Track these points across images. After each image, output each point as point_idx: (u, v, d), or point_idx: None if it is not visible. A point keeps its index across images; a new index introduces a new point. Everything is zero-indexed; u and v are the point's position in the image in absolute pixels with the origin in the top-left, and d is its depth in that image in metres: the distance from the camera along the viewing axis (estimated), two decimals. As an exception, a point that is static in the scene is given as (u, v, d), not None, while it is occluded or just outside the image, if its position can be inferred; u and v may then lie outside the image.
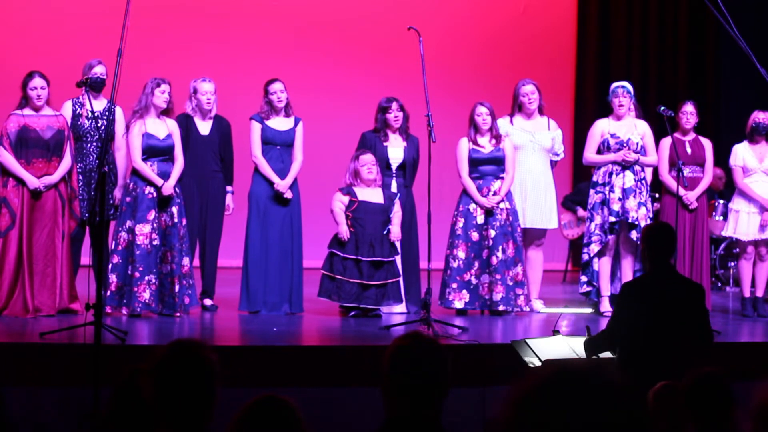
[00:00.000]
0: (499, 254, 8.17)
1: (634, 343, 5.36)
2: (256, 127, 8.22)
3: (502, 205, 8.24)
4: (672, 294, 5.38)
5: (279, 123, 8.26)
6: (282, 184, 8.14)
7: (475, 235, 8.22)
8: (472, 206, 8.25)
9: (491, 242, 8.18)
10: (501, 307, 8.15)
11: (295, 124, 8.29)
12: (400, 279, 8.18)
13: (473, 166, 8.32)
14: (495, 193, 8.25)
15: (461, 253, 8.21)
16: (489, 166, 8.31)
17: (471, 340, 6.91)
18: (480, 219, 8.23)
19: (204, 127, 8.30)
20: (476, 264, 8.21)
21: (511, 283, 8.20)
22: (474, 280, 8.20)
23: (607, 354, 5.72)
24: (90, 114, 7.81)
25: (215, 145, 8.31)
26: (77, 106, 7.98)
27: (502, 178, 8.31)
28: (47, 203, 7.59)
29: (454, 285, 8.18)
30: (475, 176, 8.31)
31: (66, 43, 11.12)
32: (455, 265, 8.21)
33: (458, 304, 8.17)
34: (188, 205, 8.03)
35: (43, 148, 7.61)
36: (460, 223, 8.26)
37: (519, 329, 7.79)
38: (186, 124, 8.18)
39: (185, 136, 8.07)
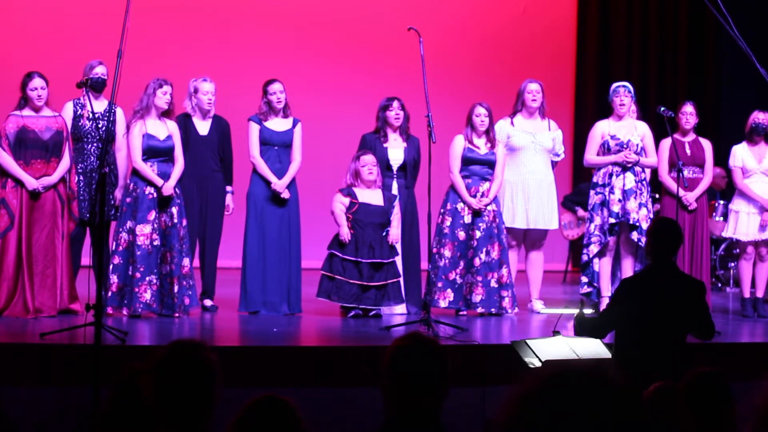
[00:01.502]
0: (483, 256, 8.16)
1: (631, 340, 5.36)
2: (254, 128, 8.22)
3: (489, 207, 8.24)
4: (671, 292, 5.38)
5: (277, 124, 8.26)
6: (279, 184, 8.14)
7: (461, 234, 8.22)
8: (460, 205, 8.24)
9: (476, 243, 8.17)
10: (480, 309, 8.14)
11: (294, 125, 8.29)
12: (401, 279, 8.17)
13: (465, 165, 8.30)
14: (483, 195, 8.25)
15: (447, 252, 8.20)
16: (480, 167, 8.30)
17: (471, 340, 6.91)
18: (467, 219, 8.22)
19: (203, 127, 8.30)
20: (461, 263, 8.20)
21: (495, 285, 8.18)
22: (459, 280, 8.19)
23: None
24: (90, 115, 7.80)
25: (214, 145, 8.31)
26: (78, 107, 7.97)
27: (490, 180, 8.30)
28: (46, 204, 7.59)
29: (440, 284, 8.17)
30: (464, 175, 8.30)
31: (66, 43, 11.13)
32: (442, 263, 8.20)
33: (443, 303, 8.16)
34: (188, 205, 8.02)
35: (42, 149, 7.60)
36: (448, 222, 8.25)
37: (519, 330, 7.79)
38: (185, 124, 8.18)
39: (184, 137, 8.07)
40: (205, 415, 2.89)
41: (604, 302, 8.37)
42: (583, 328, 5.63)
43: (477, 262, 8.15)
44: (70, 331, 6.57)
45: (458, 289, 8.18)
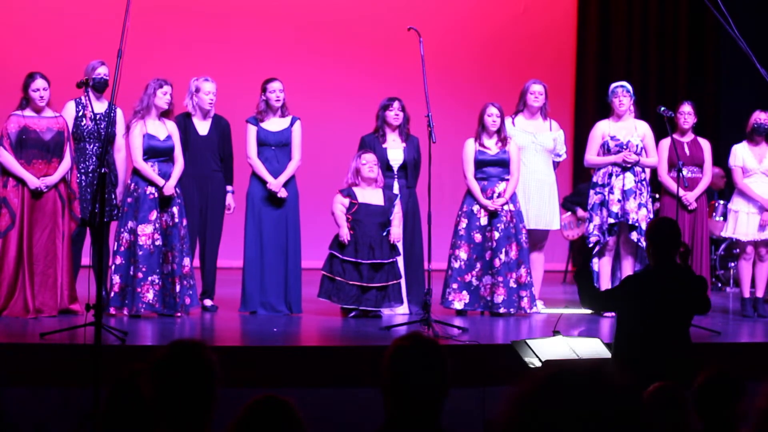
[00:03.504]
0: (502, 256, 8.15)
1: (632, 339, 5.36)
2: (251, 130, 8.23)
3: (506, 207, 8.22)
4: (673, 293, 5.38)
5: (273, 124, 8.26)
6: (274, 183, 8.13)
7: (478, 237, 8.20)
8: (476, 207, 8.23)
9: (495, 244, 8.16)
10: (502, 310, 8.13)
11: (291, 124, 8.28)
12: (402, 280, 8.17)
13: (479, 168, 8.29)
14: (499, 195, 8.24)
15: (463, 254, 8.19)
16: (494, 168, 8.29)
17: (471, 340, 6.91)
18: (483, 220, 8.21)
19: (203, 126, 8.30)
20: (478, 265, 8.19)
21: (514, 286, 8.17)
22: (475, 282, 8.18)
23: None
24: (92, 115, 7.79)
25: (214, 145, 8.32)
26: (80, 107, 7.97)
27: (507, 180, 8.29)
28: (47, 204, 7.59)
29: (455, 285, 8.16)
30: (480, 177, 8.29)
31: (66, 43, 11.13)
32: (456, 265, 8.18)
33: (458, 305, 8.16)
34: (188, 205, 8.02)
35: (43, 150, 7.60)
36: (463, 224, 8.24)
37: (519, 330, 7.79)
38: (184, 124, 8.19)
39: (184, 136, 8.07)
40: (205, 415, 2.89)
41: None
42: (586, 284, 5.66)
43: (497, 262, 8.14)
44: (70, 331, 6.57)
45: (474, 290, 8.17)
